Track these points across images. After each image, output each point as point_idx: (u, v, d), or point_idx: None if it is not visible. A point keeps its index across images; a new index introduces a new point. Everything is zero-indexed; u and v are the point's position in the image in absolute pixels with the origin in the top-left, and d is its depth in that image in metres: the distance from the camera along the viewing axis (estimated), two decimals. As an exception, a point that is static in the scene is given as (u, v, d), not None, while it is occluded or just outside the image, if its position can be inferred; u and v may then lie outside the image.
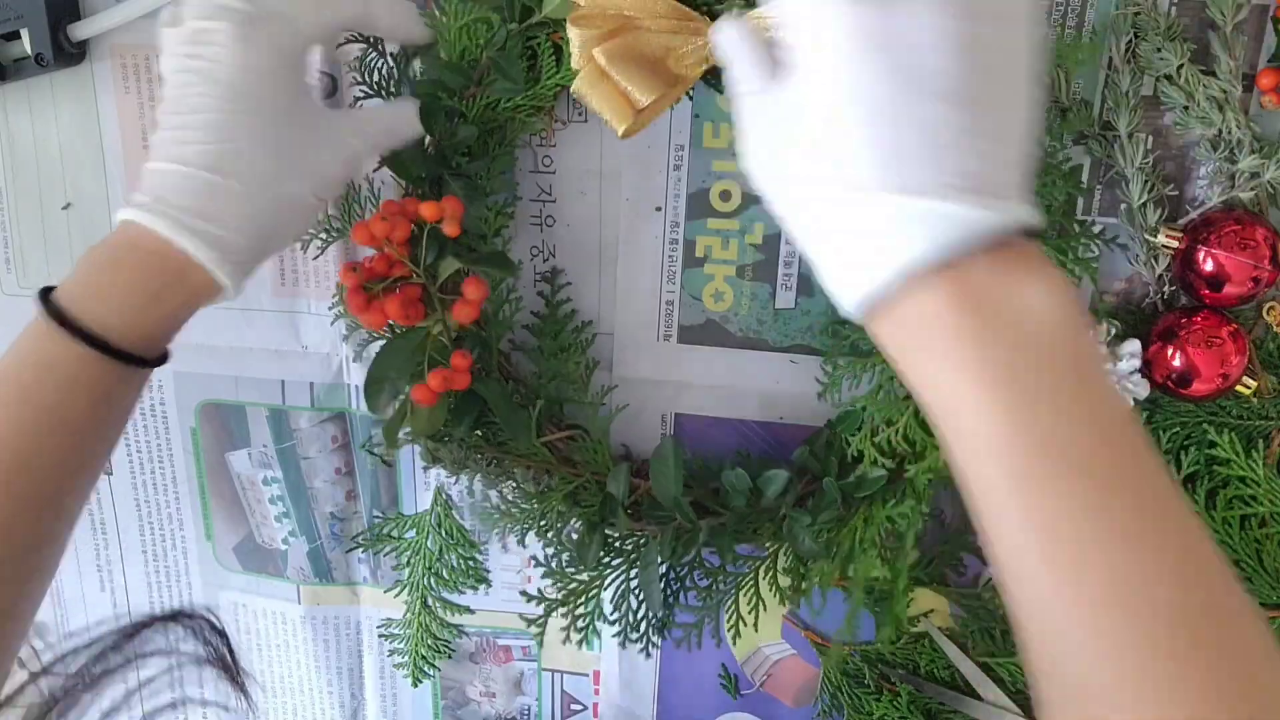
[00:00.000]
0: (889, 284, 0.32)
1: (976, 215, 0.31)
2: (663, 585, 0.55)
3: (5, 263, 0.60)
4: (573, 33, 0.45)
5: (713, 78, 0.48)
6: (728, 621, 0.56)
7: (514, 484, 0.55)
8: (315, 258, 0.57)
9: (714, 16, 0.45)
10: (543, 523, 0.55)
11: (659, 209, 0.54)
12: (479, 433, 0.54)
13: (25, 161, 0.59)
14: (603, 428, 0.55)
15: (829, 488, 0.52)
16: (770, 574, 0.55)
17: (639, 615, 0.55)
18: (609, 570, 0.55)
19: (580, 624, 0.55)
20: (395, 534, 0.60)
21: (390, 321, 0.50)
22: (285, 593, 0.65)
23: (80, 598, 0.67)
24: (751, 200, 0.54)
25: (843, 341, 0.53)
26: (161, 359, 0.44)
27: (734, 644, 0.61)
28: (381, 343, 0.51)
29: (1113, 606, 0.29)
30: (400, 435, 0.51)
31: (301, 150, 0.43)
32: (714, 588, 0.55)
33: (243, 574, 0.66)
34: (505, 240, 0.54)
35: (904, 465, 0.51)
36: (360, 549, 0.63)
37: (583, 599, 0.55)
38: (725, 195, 0.54)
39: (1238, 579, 0.30)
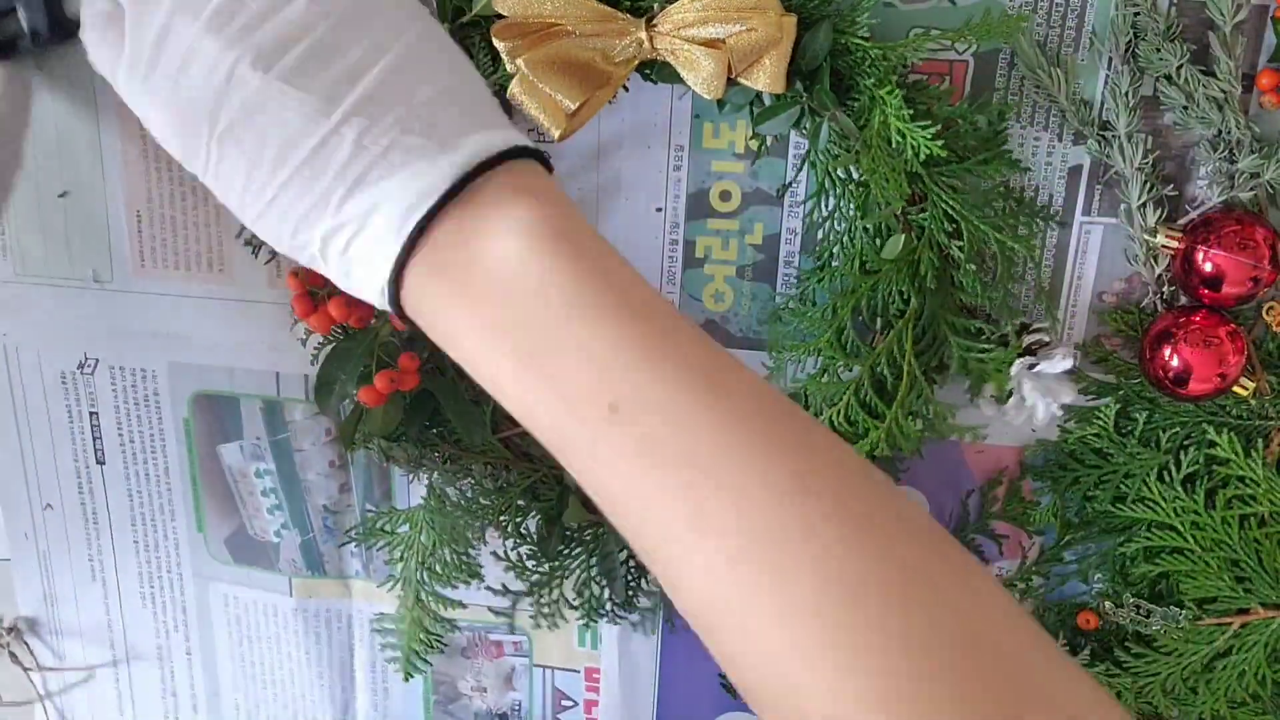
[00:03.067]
0: (389, 296, 0.30)
1: (402, 193, 0.28)
2: (624, 572, 0.56)
3: (1, 251, 0.60)
4: (497, 43, 0.46)
5: (648, 70, 0.48)
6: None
7: (472, 480, 0.56)
8: (267, 261, 0.57)
9: (638, 14, 0.46)
10: (502, 518, 0.56)
11: (659, 209, 0.54)
12: (435, 430, 0.55)
13: (21, 149, 0.58)
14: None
15: None
16: None
17: (602, 600, 0.56)
18: (570, 560, 0.56)
19: (546, 611, 0.56)
20: (388, 528, 0.60)
21: (342, 324, 0.51)
22: (277, 585, 0.65)
23: (71, 588, 0.66)
24: (751, 200, 0.54)
25: (785, 327, 0.53)
26: None
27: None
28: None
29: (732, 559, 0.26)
30: (356, 436, 0.53)
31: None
32: None
33: (234, 566, 0.65)
34: None
35: None
36: (353, 543, 0.63)
37: (546, 589, 0.56)
38: (725, 195, 0.54)
39: (891, 488, 0.28)
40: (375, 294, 0.31)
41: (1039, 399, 0.50)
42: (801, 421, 0.28)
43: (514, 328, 0.28)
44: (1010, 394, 0.51)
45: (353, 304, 0.50)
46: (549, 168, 0.32)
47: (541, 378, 0.28)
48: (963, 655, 0.24)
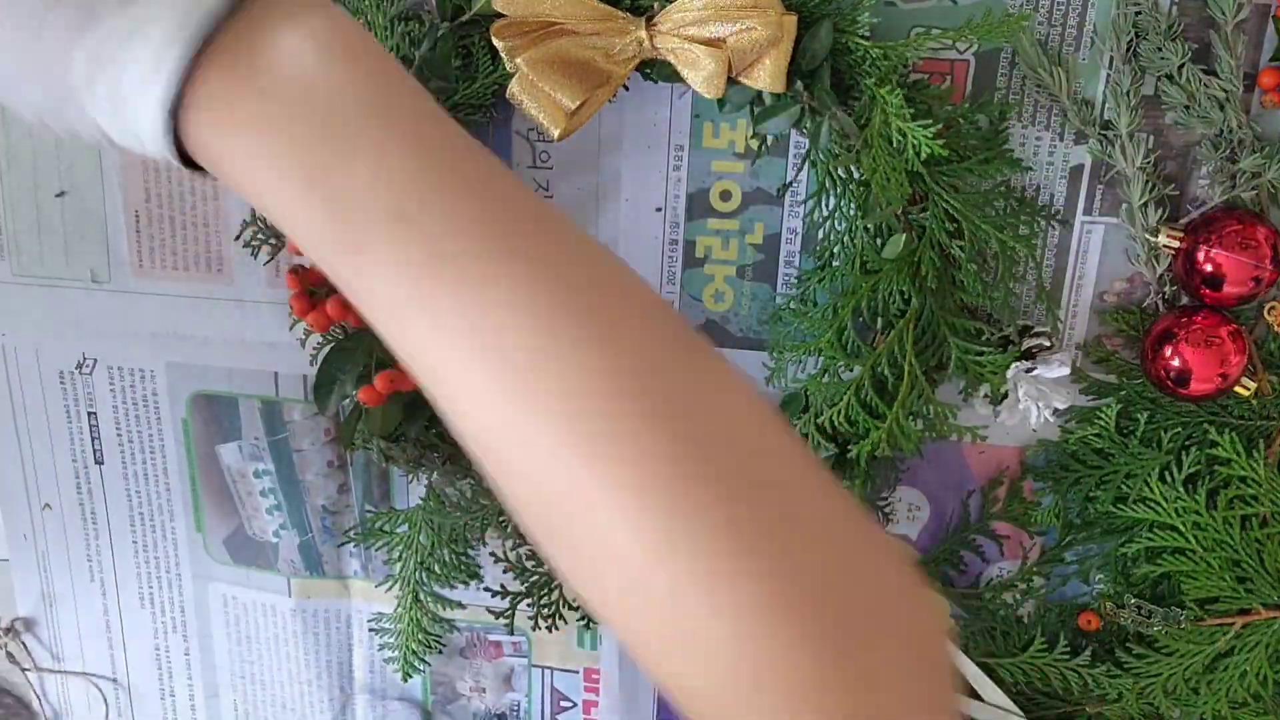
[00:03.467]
0: (160, 127, 0.27)
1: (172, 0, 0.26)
2: None
3: None
4: (496, 43, 0.46)
5: (648, 69, 0.48)
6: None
7: (471, 481, 0.56)
8: (266, 262, 0.56)
9: (638, 13, 0.46)
10: (501, 518, 0.56)
11: (659, 209, 0.54)
12: (434, 431, 0.55)
13: (20, 148, 0.58)
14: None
15: None
16: None
17: None
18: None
19: (545, 613, 0.56)
20: (387, 528, 0.60)
21: (341, 323, 0.51)
22: (276, 585, 0.65)
23: (69, 588, 0.66)
24: (752, 200, 0.54)
25: (785, 327, 0.53)
26: None
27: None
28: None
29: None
30: (356, 436, 0.53)
31: None
32: None
33: (233, 566, 0.65)
34: None
35: (848, 447, 0.51)
36: (352, 543, 0.63)
37: (545, 590, 0.55)
38: (725, 195, 0.54)
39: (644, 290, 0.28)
40: (153, 130, 0.27)
41: (1032, 403, 0.50)
42: (590, 249, 0.30)
43: (302, 141, 0.27)
44: (1005, 395, 0.51)
45: (350, 305, 0.50)
46: None
47: (330, 193, 0.27)
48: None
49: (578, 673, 0.64)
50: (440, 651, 0.64)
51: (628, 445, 0.26)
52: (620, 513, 0.25)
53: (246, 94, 0.27)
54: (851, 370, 0.51)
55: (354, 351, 0.52)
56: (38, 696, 0.51)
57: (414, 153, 0.27)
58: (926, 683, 0.27)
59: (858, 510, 0.29)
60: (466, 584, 0.62)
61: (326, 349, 0.53)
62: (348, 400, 0.52)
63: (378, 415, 0.53)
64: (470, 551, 0.61)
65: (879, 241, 0.49)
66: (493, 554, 0.60)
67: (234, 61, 0.27)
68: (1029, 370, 0.50)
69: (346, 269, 0.28)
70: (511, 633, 0.60)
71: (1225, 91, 0.47)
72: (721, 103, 0.48)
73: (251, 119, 0.27)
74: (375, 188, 0.27)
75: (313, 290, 0.50)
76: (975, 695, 0.56)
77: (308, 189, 0.27)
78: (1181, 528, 0.51)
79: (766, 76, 0.46)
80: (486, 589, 0.59)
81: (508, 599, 0.57)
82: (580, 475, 0.26)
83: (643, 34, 0.46)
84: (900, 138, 0.45)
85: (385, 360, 0.52)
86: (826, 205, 0.51)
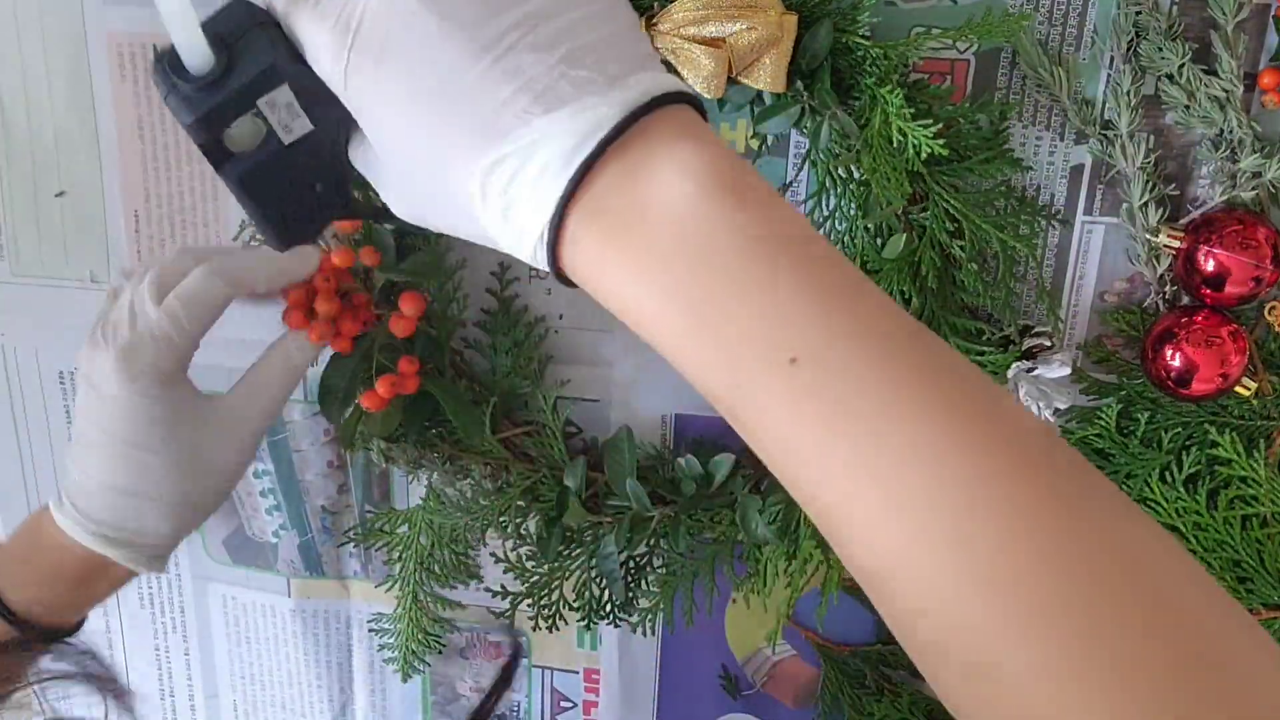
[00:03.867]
0: (548, 244, 0.28)
1: (578, 123, 0.27)
2: (623, 573, 0.56)
3: (-1, 250, 0.60)
4: None
5: None
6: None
7: (472, 481, 0.56)
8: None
9: (638, 13, 0.45)
10: (502, 519, 0.56)
11: (658, 207, 0.54)
12: (434, 431, 0.55)
13: (20, 148, 0.58)
14: (557, 422, 0.57)
15: None
16: (728, 560, 0.56)
17: (602, 602, 0.56)
18: (569, 561, 0.55)
19: (546, 614, 0.56)
20: (387, 528, 0.60)
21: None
22: (275, 586, 0.65)
23: (67, 591, 0.66)
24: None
25: None
26: (73, 629, 0.50)
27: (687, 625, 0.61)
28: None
29: (933, 537, 0.24)
30: (356, 437, 0.53)
31: (201, 451, 0.46)
32: (671, 573, 0.56)
33: (233, 567, 0.65)
34: (445, 246, 0.55)
35: None
36: (352, 543, 0.62)
37: (545, 591, 0.56)
38: (725, 195, 0.54)
39: (1071, 454, 0.26)
40: (533, 239, 0.28)
41: (1033, 403, 0.50)
42: (980, 381, 0.27)
43: (685, 276, 0.27)
44: (1007, 395, 0.51)
45: (346, 314, 0.50)
46: (705, 116, 0.30)
47: (715, 330, 0.27)
48: (1164, 630, 0.24)
49: (578, 673, 0.64)
50: (440, 652, 0.64)
51: (1067, 619, 0.24)
52: (1048, 687, 0.24)
53: (621, 222, 0.27)
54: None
55: (355, 358, 0.52)
56: (37, 697, 0.51)
57: (804, 293, 0.26)
58: None
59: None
60: (466, 584, 0.62)
61: (329, 356, 0.53)
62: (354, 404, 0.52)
63: (378, 416, 0.53)
64: (470, 552, 0.61)
65: (879, 241, 0.49)
66: (493, 554, 0.60)
67: (614, 185, 0.27)
68: (1030, 370, 0.50)
69: (736, 404, 0.27)
70: (532, 642, 0.60)
71: (1226, 91, 0.46)
72: (721, 103, 0.48)
73: (628, 251, 0.27)
74: (764, 329, 0.26)
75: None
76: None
77: (690, 326, 0.27)
78: (1182, 528, 0.51)
79: (766, 76, 0.46)
80: (487, 589, 0.59)
81: (508, 599, 0.57)
82: (1005, 645, 0.24)
83: (643, 34, 0.46)
84: (900, 137, 0.45)
85: (386, 365, 0.52)
86: (826, 205, 0.51)
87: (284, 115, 0.32)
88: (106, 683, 0.51)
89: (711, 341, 0.27)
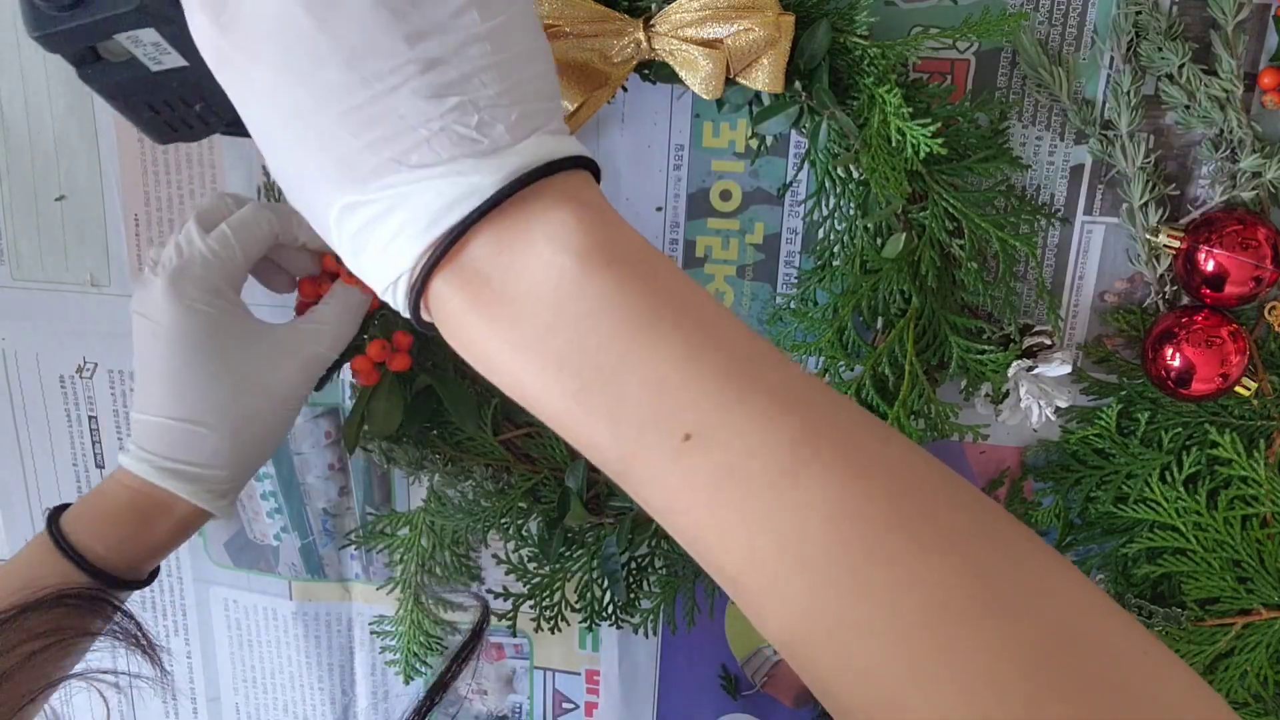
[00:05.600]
0: (408, 294, 0.27)
1: (452, 188, 0.25)
2: (625, 574, 0.56)
3: (-1, 254, 0.60)
4: None
5: (646, 70, 0.48)
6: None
7: (473, 483, 0.57)
8: None
9: (636, 15, 0.46)
10: (504, 520, 0.56)
11: (659, 209, 0.54)
12: (435, 433, 0.56)
13: (19, 152, 0.58)
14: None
15: None
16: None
17: (604, 603, 0.56)
18: (571, 563, 0.56)
19: (548, 615, 0.56)
20: (388, 531, 0.60)
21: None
22: (277, 589, 0.65)
23: (70, 594, 0.66)
24: (752, 200, 0.54)
25: (785, 327, 0.53)
26: (144, 582, 0.49)
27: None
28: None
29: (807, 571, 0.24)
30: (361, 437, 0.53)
31: (258, 376, 0.46)
32: (672, 574, 0.56)
33: (234, 570, 0.65)
34: None
35: None
36: (353, 545, 0.63)
37: (547, 592, 0.56)
38: (725, 195, 0.54)
39: (979, 498, 0.26)
40: (384, 286, 0.28)
41: (1034, 402, 0.50)
42: (883, 435, 0.27)
43: (566, 352, 0.26)
44: (1006, 395, 0.51)
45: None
46: (598, 177, 0.29)
47: (601, 407, 0.26)
48: (1081, 668, 0.23)
49: (579, 674, 0.64)
50: (441, 653, 0.64)
51: (973, 656, 0.23)
52: None
53: (495, 296, 0.26)
54: (852, 370, 0.51)
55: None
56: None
57: (693, 371, 0.25)
58: None
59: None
60: (468, 586, 0.62)
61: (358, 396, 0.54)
62: (344, 380, 0.52)
63: (380, 416, 0.52)
64: (472, 554, 0.61)
65: (879, 241, 0.49)
66: (495, 556, 0.60)
67: (485, 254, 0.26)
68: (1030, 369, 0.50)
69: (627, 476, 0.26)
70: (514, 634, 0.60)
71: (1226, 91, 0.46)
72: (720, 103, 0.48)
73: (502, 321, 0.26)
74: (654, 407, 0.25)
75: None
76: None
77: (574, 404, 0.26)
78: (1182, 528, 0.51)
79: (765, 77, 0.46)
80: (489, 591, 0.59)
81: (510, 601, 0.57)
82: (922, 695, 0.24)
83: (640, 35, 0.46)
84: (899, 137, 0.45)
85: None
86: (826, 205, 0.50)
87: (151, 50, 0.32)
88: (144, 645, 0.51)
89: (599, 419, 0.26)
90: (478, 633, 0.51)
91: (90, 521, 0.46)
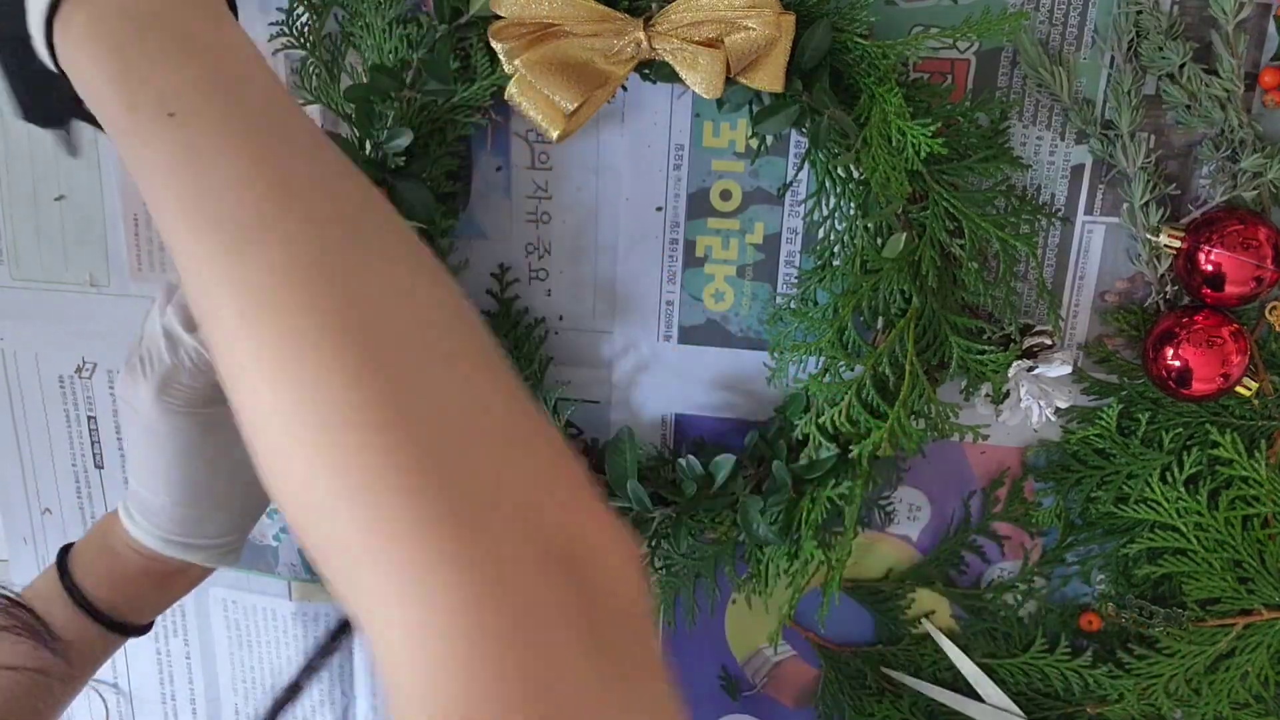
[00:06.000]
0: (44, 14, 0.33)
1: None
2: None
3: (-2, 254, 0.60)
4: (495, 45, 0.46)
5: (647, 70, 0.48)
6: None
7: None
8: None
9: (636, 14, 0.46)
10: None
11: (659, 209, 0.54)
12: None
13: (19, 153, 0.58)
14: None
15: (778, 470, 0.52)
16: (729, 561, 0.56)
17: None
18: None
19: None
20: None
21: None
22: (276, 589, 0.65)
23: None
24: (752, 199, 0.54)
25: (786, 328, 0.53)
26: (148, 627, 0.51)
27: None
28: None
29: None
30: None
31: (248, 456, 0.46)
32: (672, 574, 0.56)
33: (233, 570, 0.65)
34: (449, 245, 0.55)
35: (849, 446, 0.51)
36: (353, 546, 0.62)
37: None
38: (725, 195, 0.54)
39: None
40: (39, 38, 0.34)
41: (1034, 402, 0.50)
42: (307, 130, 0.33)
43: (129, 47, 0.32)
44: (1006, 395, 0.51)
45: None
46: None
47: (124, 91, 0.32)
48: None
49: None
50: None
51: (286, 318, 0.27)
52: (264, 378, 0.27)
53: (86, 12, 0.33)
54: (853, 370, 0.51)
55: None
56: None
57: (188, 65, 0.32)
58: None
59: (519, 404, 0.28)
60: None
61: None
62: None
63: None
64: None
65: (879, 240, 0.49)
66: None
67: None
68: (1030, 369, 0.50)
69: (125, 145, 0.32)
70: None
71: (1226, 91, 0.46)
72: (720, 103, 0.48)
73: (89, 31, 0.33)
74: (151, 89, 0.32)
75: None
76: (976, 696, 0.56)
77: (115, 83, 0.32)
78: (1183, 528, 0.51)
79: (765, 76, 0.46)
80: None
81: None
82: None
83: (641, 35, 0.45)
84: (900, 136, 0.45)
85: None
86: (826, 204, 0.50)
87: None
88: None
89: (120, 100, 0.32)
90: (333, 640, 0.53)
91: (105, 580, 0.48)
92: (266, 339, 0.27)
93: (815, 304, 0.53)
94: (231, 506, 0.48)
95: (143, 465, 0.47)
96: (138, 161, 0.32)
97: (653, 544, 0.56)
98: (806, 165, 0.52)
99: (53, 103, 0.41)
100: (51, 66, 0.36)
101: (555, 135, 0.47)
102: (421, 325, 0.28)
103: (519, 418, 0.28)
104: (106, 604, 0.48)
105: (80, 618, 0.47)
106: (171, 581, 0.50)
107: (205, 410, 0.46)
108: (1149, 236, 0.49)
